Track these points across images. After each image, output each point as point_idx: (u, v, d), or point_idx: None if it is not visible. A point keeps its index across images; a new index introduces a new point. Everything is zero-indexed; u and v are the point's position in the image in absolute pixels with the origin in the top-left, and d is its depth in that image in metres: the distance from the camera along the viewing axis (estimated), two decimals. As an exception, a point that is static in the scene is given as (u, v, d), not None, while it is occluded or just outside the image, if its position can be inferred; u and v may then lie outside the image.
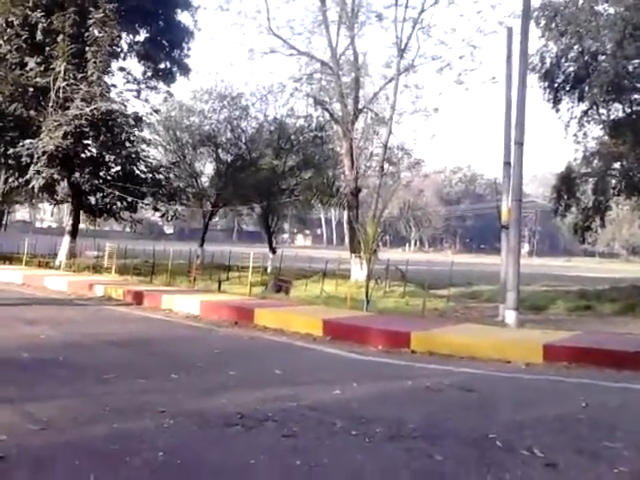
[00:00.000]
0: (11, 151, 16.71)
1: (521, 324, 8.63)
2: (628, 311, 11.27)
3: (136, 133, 19.55)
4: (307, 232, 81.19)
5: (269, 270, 20.55)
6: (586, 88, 15.13)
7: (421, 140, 69.51)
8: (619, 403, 4.44)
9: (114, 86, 19.45)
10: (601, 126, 16.69)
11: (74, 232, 19.32)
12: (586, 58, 14.98)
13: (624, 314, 11.02)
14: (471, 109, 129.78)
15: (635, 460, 3.16)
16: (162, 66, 21.60)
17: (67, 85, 16.92)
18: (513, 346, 6.42)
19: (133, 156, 18.84)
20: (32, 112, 17.41)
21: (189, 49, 21.78)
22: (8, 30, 17.30)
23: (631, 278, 21.53)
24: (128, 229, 33.72)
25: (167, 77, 21.68)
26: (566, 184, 17.05)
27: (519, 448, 3.29)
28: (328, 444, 3.28)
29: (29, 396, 4.03)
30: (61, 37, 16.82)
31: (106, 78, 18.32)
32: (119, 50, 20.36)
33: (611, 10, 14.77)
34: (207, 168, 27.70)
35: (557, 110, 16.74)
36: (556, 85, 16.22)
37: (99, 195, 19.29)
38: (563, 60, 15.79)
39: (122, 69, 21.19)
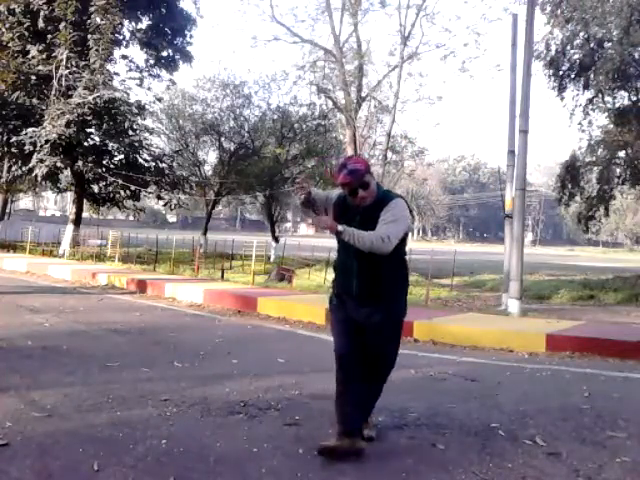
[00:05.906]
0: (14, 139, 16.68)
1: (524, 313, 8.63)
2: (632, 301, 11.26)
3: (139, 121, 19.51)
4: (310, 221, 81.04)
5: (272, 259, 20.58)
6: (591, 76, 14.94)
7: (425, 128, 69.34)
8: (622, 393, 4.43)
9: (117, 74, 19.41)
10: (606, 114, 16.51)
11: (77, 220, 19.34)
12: (592, 45, 14.77)
13: (628, 304, 11.01)
14: (475, 97, 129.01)
15: (638, 450, 3.16)
16: (164, 54, 21.44)
17: (70, 73, 16.87)
18: (516, 335, 6.41)
19: (136, 144, 18.81)
20: (35, 100, 17.36)
21: (191, 37, 21.59)
22: (10, 17, 17.21)
23: (635, 268, 21.48)
24: (131, 218, 33.84)
25: (170, 65, 21.52)
26: (570, 173, 16.93)
27: (522, 437, 3.30)
28: (331, 433, 3.29)
29: (33, 384, 4.05)
30: (63, 25, 16.73)
31: (109, 66, 18.26)
32: (121, 38, 20.25)
33: (617, -4, 14.57)
34: (210, 157, 27.75)
35: (562, 98, 16.53)
36: (561, 73, 16.00)
37: (102, 183, 19.31)
38: (568, 47, 15.57)
39: (124, 57, 21.13)
